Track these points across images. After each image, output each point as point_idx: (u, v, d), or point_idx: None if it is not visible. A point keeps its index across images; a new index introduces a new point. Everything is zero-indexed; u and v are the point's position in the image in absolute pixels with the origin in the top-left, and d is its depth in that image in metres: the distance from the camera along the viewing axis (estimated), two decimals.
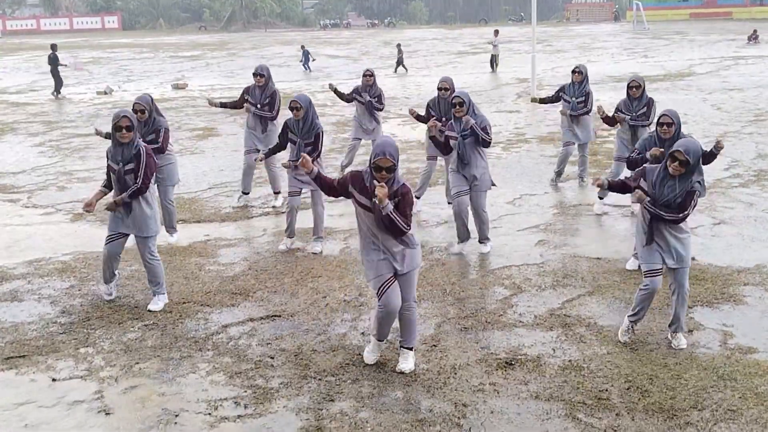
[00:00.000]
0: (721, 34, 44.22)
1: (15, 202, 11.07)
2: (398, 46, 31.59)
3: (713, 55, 31.31)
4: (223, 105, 10.47)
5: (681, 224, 5.77)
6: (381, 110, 11.61)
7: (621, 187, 6.03)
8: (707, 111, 17.54)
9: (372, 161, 5.22)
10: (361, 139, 11.80)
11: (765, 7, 64.24)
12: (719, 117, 16.67)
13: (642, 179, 5.80)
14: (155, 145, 8.17)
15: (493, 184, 8.31)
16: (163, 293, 6.98)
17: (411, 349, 5.70)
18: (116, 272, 7.14)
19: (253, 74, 10.03)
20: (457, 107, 7.92)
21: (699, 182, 5.77)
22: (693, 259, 7.86)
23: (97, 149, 14.77)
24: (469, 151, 7.98)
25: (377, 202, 5.16)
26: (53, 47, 25.67)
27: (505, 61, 30.46)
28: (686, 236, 5.83)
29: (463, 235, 8.36)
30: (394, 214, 5.22)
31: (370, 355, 5.79)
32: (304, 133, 8.13)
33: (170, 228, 8.92)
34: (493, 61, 29.02)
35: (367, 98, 11.38)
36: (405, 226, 5.29)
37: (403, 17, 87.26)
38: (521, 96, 21.26)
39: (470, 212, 8.31)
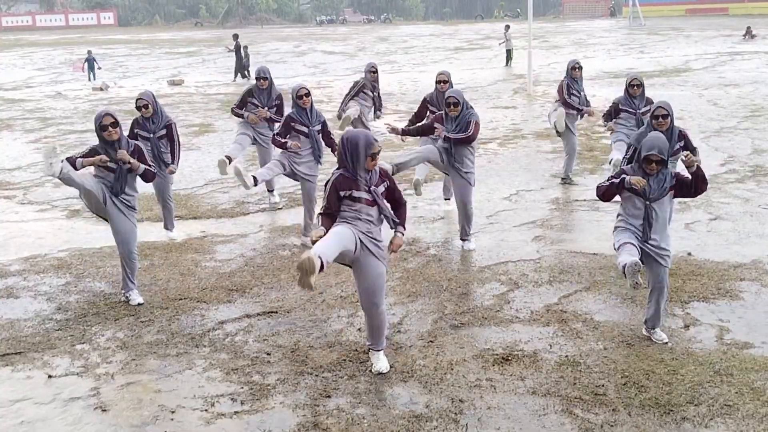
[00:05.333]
0: (717, 29, 44.24)
1: (10, 199, 11.05)
2: (245, 48, 28.57)
3: (709, 51, 31.32)
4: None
5: (665, 221, 5.81)
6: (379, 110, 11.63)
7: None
8: (703, 107, 17.56)
9: (368, 153, 5.22)
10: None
11: (762, 3, 64.22)
12: (715, 113, 16.69)
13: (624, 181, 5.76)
14: (170, 144, 8.42)
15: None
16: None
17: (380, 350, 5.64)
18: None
19: (256, 78, 9.78)
20: (452, 107, 7.86)
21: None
22: (689, 254, 7.90)
23: None
24: (457, 150, 7.96)
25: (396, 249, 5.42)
26: (235, 36, 27.73)
27: (502, 57, 30.43)
28: (667, 233, 5.89)
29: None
30: (402, 228, 5.48)
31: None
32: (314, 121, 8.19)
33: (170, 225, 8.93)
34: (509, 56, 29.10)
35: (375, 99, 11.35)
36: (405, 214, 5.56)
37: (399, 13, 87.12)
38: (518, 92, 21.26)
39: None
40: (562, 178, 11.03)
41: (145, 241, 8.74)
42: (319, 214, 5.37)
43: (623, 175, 5.76)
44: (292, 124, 8.20)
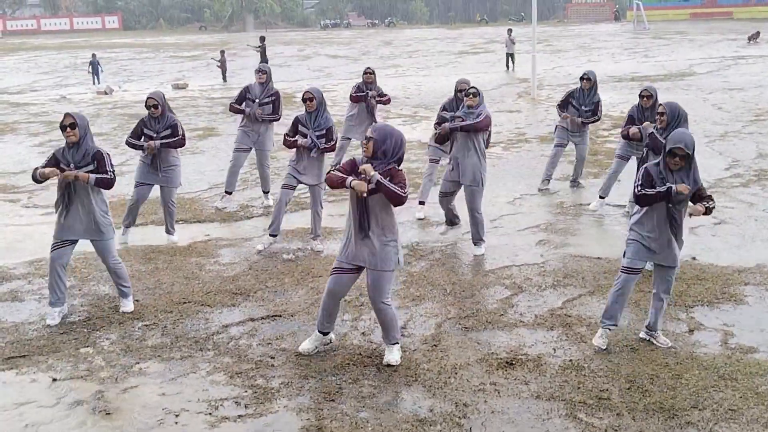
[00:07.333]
0: (721, 33, 44.19)
1: (15, 202, 11.07)
2: (222, 52, 29.10)
3: (714, 55, 31.28)
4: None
5: (680, 225, 5.78)
6: (387, 102, 11.92)
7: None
8: (708, 111, 17.54)
9: (366, 135, 5.56)
10: (351, 139, 11.76)
11: (766, 6, 64.12)
12: (720, 117, 16.67)
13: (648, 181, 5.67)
14: (175, 138, 8.50)
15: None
16: (131, 293, 6.95)
17: (395, 343, 5.78)
18: (65, 291, 6.69)
19: (255, 71, 10.14)
20: (471, 97, 8.18)
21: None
22: (693, 258, 7.89)
23: None
24: (461, 143, 8.11)
25: (362, 173, 5.40)
26: (262, 39, 29.38)
27: (505, 61, 30.43)
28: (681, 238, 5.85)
29: (451, 221, 8.66)
30: (385, 182, 5.39)
31: (307, 344, 5.87)
32: (317, 126, 8.24)
33: (171, 228, 8.95)
34: (509, 60, 29.04)
35: (370, 93, 11.50)
36: (399, 190, 5.42)
37: (403, 17, 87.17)
38: (522, 96, 21.25)
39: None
40: (572, 181, 11.03)
41: (149, 245, 8.77)
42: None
43: (668, 185, 5.58)
44: (298, 125, 8.37)
